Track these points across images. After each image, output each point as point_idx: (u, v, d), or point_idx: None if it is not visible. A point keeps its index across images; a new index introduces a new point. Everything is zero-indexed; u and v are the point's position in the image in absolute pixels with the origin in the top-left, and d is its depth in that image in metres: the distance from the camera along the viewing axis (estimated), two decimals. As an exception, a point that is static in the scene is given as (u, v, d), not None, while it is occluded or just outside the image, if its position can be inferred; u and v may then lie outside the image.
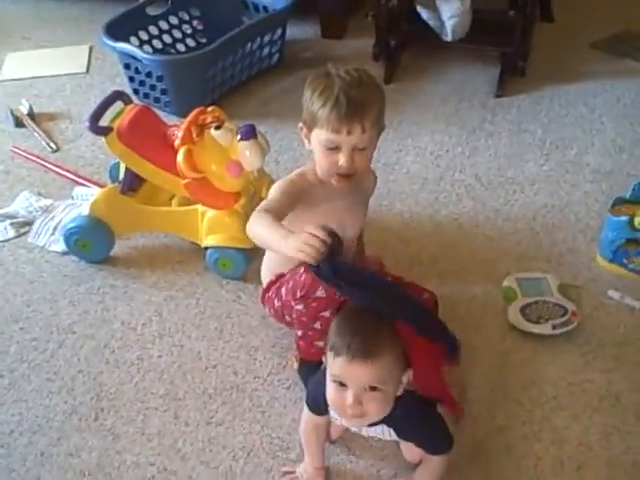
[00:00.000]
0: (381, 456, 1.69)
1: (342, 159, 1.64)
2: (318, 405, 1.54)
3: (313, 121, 1.65)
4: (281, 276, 1.84)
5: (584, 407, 1.76)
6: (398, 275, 1.90)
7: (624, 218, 2.01)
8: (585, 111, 2.77)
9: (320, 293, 1.68)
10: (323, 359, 1.48)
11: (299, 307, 1.74)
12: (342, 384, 1.39)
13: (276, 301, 1.84)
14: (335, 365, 1.39)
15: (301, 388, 1.82)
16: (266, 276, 1.91)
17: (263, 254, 1.96)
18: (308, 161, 1.79)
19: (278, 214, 1.60)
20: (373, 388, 1.38)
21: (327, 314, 1.71)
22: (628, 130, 2.67)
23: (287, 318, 1.84)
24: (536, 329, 1.90)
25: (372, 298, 1.44)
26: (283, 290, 1.80)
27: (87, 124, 2.04)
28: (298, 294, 1.72)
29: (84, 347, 1.99)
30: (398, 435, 1.53)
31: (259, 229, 1.58)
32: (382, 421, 1.47)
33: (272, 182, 2.25)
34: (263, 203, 1.68)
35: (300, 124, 1.72)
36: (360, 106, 1.59)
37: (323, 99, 1.61)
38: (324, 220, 1.54)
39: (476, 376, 1.84)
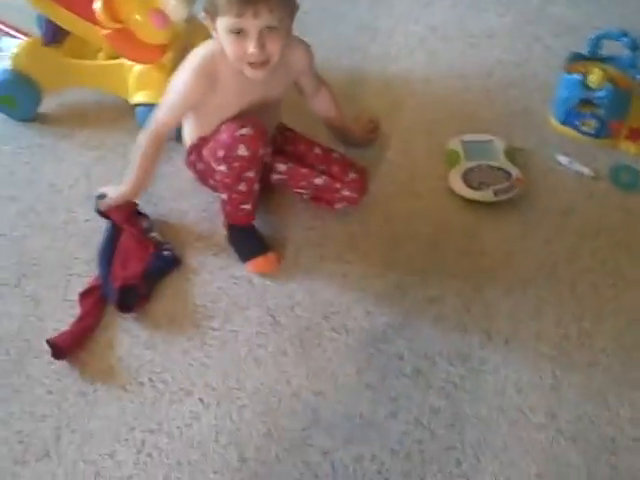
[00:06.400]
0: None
1: (251, 45, 1.51)
2: None
3: (214, 8, 1.51)
4: (203, 139, 1.75)
5: (519, 279, 1.71)
6: (328, 147, 1.84)
7: (577, 76, 1.89)
8: (557, -46, 2.57)
9: (242, 152, 1.61)
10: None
11: (222, 168, 1.66)
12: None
13: (198, 164, 1.78)
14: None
15: (229, 255, 1.77)
16: (187, 139, 1.82)
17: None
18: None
19: (164, 135, 1.71)
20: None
21: (251, 174, 1.66)
22: (601, -23, 2.49)
23: (211, 181, 1.78)
24: (476, 195, 1.82)
25: None
26: (205, 152, 1.72)
27: (-2, -32, 1.87)
28: (219, 154, 1.64)
29: (8, 210, 1.90)
30: None
31: (135, 154, 1.72)
32: None
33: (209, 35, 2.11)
34: (159, 116, 1.69)
35: (202, 12, 1.58)
36: None
37: None
38: (238, 110, 1.65)
39: (412, 244, 1.78)
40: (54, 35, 2.02)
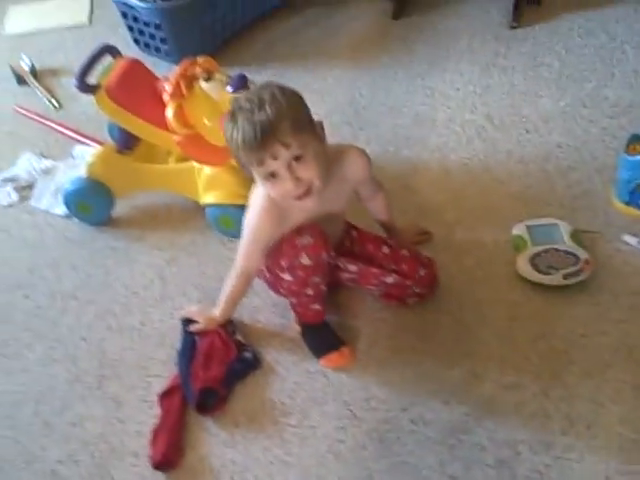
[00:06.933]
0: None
1: (286, 184, 1.52)
2: None
3: (243, 166, 1.55)
4: (268, 250, 1.74)
5: (596, 361, 1.68)
6: (395, 243, 1.84)
7: (639, 157, 1.89)
8: (606, 39, 2.60)
9: (304, 261, 1.63)
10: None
11: (287, 277, 1.68)
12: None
13: (267, 274, 1.78)
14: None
15: (302, 349, 1.79)
16: None
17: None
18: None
19: (250, 274, 1.75)
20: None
21: (317, 279, 1.67)
22: (652, 58, 2.51)
23: (281, 290, 1.78)
24: (546, 280, 1.81)
25: None
26: (269, 262, 1.72)
27: (75, 83, 1.97)
28: (283, 264, 1.66)
29: (87, 313, 1.97)
30: None
31: (226, 287, 1.78)
32: None
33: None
34: (241, 260, 1.72)
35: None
36: (269, 127, 1.44)
37: (234, 140, 1.48)
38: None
39: (485, 331, 1.77)
40: (127, 142, 2.11)
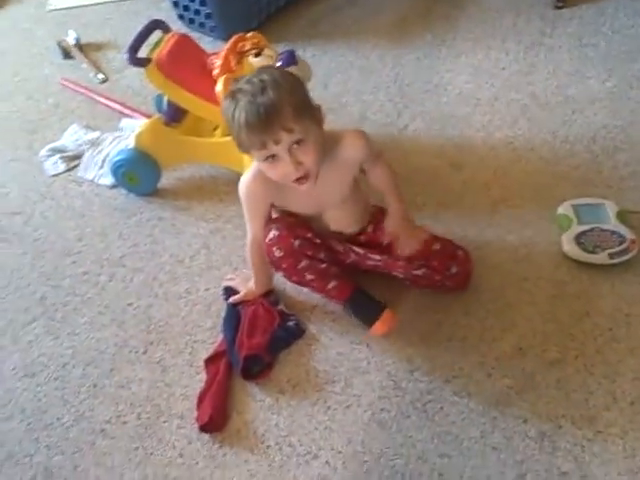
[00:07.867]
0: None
1: (287, 167, 1.53)
2: None
3: (243, 147, 1.55)
4: None
5: (640, 340, 1.69)
6: (433, 235, 1.79)
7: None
8: (653, 20, 2.58)
9: (278, 254, 1.70)
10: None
11: (280, 274, 1.76)
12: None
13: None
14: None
15: (347, 321, 1.80)
16: None
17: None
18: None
19: (261, 240, 1.74)
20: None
21: (305, 264, 1.71)
22: (700, 39, 2.49)
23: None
24: (592, 259, 1.82)
25: None
26: None
27: (126, 56, 2.00)
28: (270, 263, 1.75)
29: (134, 280, 2.01)
30: None
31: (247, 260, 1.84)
32: None
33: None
34: (248, 229, 1.77)
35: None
36: (272, 110, 1.45)
37: (236, 123, 1.49)
38: (302, 207, 1.72)
39: (528, 308, 1.78)
40: (175, 115, 2.13)
